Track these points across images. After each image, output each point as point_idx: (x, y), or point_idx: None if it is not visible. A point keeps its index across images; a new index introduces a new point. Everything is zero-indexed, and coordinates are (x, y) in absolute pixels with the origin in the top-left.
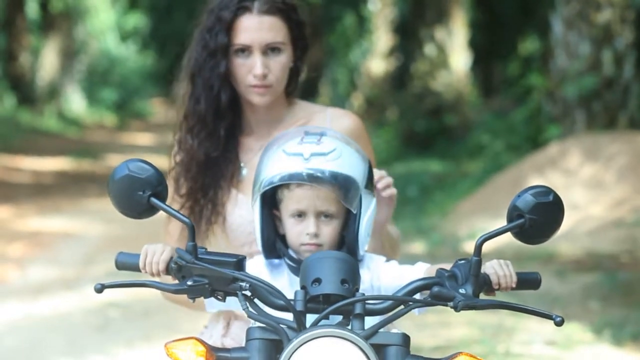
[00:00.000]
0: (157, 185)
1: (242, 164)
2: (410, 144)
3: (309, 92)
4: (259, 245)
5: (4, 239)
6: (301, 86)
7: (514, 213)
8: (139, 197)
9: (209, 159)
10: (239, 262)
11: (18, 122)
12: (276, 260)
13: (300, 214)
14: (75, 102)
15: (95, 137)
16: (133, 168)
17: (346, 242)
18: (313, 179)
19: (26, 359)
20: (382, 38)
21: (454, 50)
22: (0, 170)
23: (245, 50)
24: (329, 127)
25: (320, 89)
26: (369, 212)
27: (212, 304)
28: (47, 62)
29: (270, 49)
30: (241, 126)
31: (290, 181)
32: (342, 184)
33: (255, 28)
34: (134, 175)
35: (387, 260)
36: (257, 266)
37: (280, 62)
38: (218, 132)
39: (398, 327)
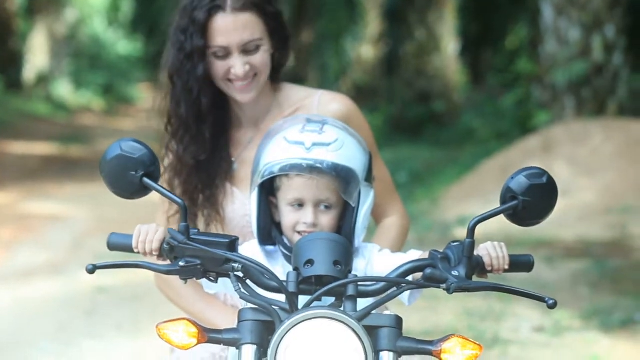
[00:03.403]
0: (149, 165)
1: (232, 159)
2: (400, 129)
3: (298, 78)
4: (254, 232)
5: None
6: (290, 71)
7: (507, 195)
8: (131, 177)
9: (199, 161)
10: (232, 243)
11: (6, 106)
12: (271, 247)
13: (299, 203)
14: (63, 86)
15: (83, 122)
16: (126, 147)
17: (343, 232)
18: (314, 170)
19: (14, 343)
20: (372, 23)
21: (444, 36)
22: None
23: (223, 51)
24: (317, 112)
25: (310, 74)
26: (367, 204)
27: (209, 285)
28: (35, 46)
29: (249, 47)
30: (230, 121)
31: (291, 172)
32: (342, 177)
33: (231, 28)
34: (127, 155)
35: (381, 249)
36: (252, 250)
37: (260, 58)
38: (203, 135)
39: (391, 311)
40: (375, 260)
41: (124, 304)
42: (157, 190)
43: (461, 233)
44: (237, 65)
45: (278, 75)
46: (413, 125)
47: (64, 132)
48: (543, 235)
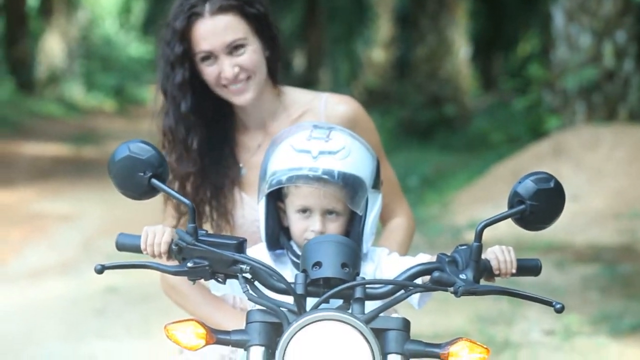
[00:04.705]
0: (157, 167)
1: (240, 164)
2: (411, 133)
3: (310, 81)
4: (262, 238)
5: (3, 223)
6: (302, 74)
7: (514, 199)
8: (139, 178)
9: (197, 173)
10: (240, 245)
11: (18, 106)
12: (279, 251)
13: (306, 210)
14: (75, 87)
15: (94, 123)
16: (134, 149)
17: (351, 238)
18: (321, 180)
19: (24, 344)
20: (383, 27)
21: (455, 41)
22: (0, 155)
23: (210, 56)
24: (323, 114)
25: (321, 77)
26: (375, 210)
27: (217, 287)
28: (47, 47)
29: (234, 48)
30: (236, 126)
31: (297, 182)
32: (349, 185)
33: (212, 32)
34: (135, 156)
35: (390, 253)
36: (260, 254)
37: (249, 57)
38: (191, 146)
39: (398, 313)
40: (384, 263)
41: (135, 304)
42: (165, 191)
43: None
44: (226, 67)
45: (276, 78)
46: (424, 129)
47: (76, 132)
48: (553, 239)
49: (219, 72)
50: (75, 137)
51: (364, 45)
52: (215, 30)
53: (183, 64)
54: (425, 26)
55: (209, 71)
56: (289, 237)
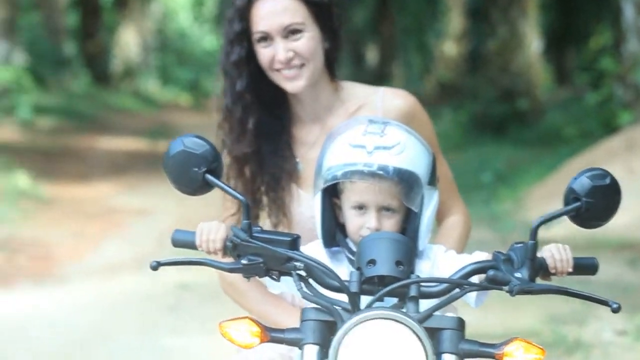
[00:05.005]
0: (212, 162)
1: (297, 159)
2: (484, 128)
3: (382, 74)
4: (318, 235)
5: (80, 218)
6: (375, 68)
7: (570, 196)
8: (193, 173)
9: (255, 156)
10: (294, 241)
11: (94, 100)
12: (336, 248)
13: (362, 207)
14: (151, 81)
15: (170, 117)
16: (188, 144)
17: (407, 235)
18: (375, 176)
19: (98, 337)
20: (454, 20)
21: (527, 34)
22: (77, 149)
23: (267, 38)
24: (381, 108)
25: (394, 71)
26: (431, 207)
27: (273, 285)
28: (122, 40)
29: (290, 32)
30: (292, 119)
31: (352, 178)
32: (405, 181)
33: (270, 12)
34: (189, 151)
35: (446, 250)
36: (316, 251)
37: (304, 44)
38: (247, 126)
39: (457, 312)
40: (440, 261)
41: (207, 301)
42: (219, 187)
43: (545, 234)
44: (280, 50)
45: (335, 72)
46: (497, 123)
47: (151, 126)
48: (626, 237)
49: (273, 54)
50: (150, 131)
51: (435, 38)
52: (274, 11)
53: (241, 43)
54: (496, 19)
55: (263, 52)
56: (345, 234)
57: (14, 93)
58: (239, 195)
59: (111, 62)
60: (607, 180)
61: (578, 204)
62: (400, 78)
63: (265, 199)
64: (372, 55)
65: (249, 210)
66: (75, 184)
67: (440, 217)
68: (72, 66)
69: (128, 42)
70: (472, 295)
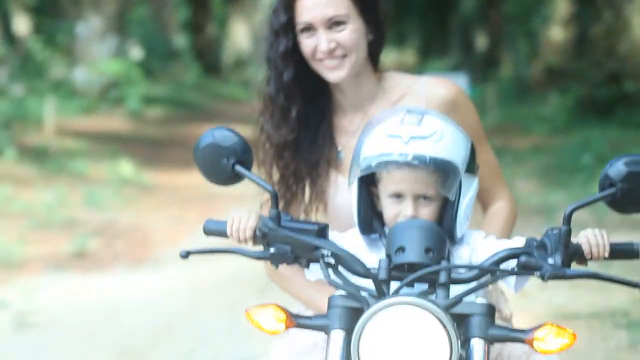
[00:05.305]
0: (241, 153)
1: (339, 147)
2: (590, 111)
3: (491, 60)
4: (355, 223)
5: (180, 204)
6: (483, 54)
7: (605, 182)
8: (223, 164)
9: (293, 143)
10: (321, 230)
11: (204, 89)
12: (374, 235)
13: (399, 195)
14: (260, 71)
15: None
16: (218, 136)
17: (444, 223)
18: (411, 166)
19: (188, 320)
20: (560, 4)
21: (633, 17)
22: (182, 137)
23: (310, 28)
24: (424, 97)
25: (502, 57)
26: (469, 194)
27: (310, 272)
28: (232, 32)
29: (334, 23)
30: (334, 108)
31: (387, 168)
32: (441, 170)
33: (315, 4)
34: (219, 143)
35: (486, 236)
36: (354, 238)
37: (347, 35)
38: (290, 114)
39: (505, 297)
40: (480, 247)
41: None
42: (249, 177)
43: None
44: (322, 41)
45: (378, 62)
46: (603, 106)
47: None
48: None
49: (316, 45)
50: (257, 119)
51: (542, 23)
52: (318, 3)
53: (287, 34)
54: (601, 3)
55: (307, 43)
56: (382, 222)
57: (124, 85)
58: (267, 186)
59: (222, 54)
60: None
61: (613, 189)
62: (508, 63)
63: (301, 185)
64: (481, 41)
65: (277, 200)
66: (178, 171)
67: (485, 203)
68: (183, 58)
69: (238, 34)
70: (511, 281)
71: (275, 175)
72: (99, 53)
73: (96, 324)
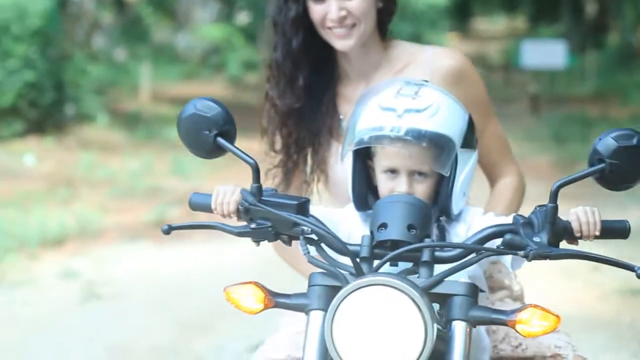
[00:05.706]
0: (223, 125)
1: (341, 116)
2: None
3: (599, 26)
4: (350, 197)
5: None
6: (592, 20)
7: (594, 157)
8: (205, 136)
9: (296, 111)
10: (302, 205)
11: None
12: (371, 211)
13: (393, 171)
14: None
15: None
16: (200, 106)
17: (439, 200)
18: (404, 141)
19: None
20: None
21: None
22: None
23: None
24: (429, 67)
25: (610, 24)
26: (466, 169)
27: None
28: None
29: None
30: (338, 76)
31: (380, 143)
32: (434, 145)
33: None
34: (200, 114)
35: (485, 213)
36: (351, 215)
37: (357, 3)
38: (297, 82)
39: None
40: (476, 224)
41: None
42: (230, 150)
43: None
44: (332, 9)
45: (386, 31)
46: None
47: None
48: None
49: (326, 12)
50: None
51: None
52: None
53: (297, 0)
54: None
55: (316, 9)
56: (378, 197)
57: (226, 50)
58: (248, 158)
59: None
60: (634, 141)
61: (602, 165)
62: (616, 29)
63: (302, 153)
64: (591, 7)
65: (259, 174)
66: None
67: (493, 178)
68: None
69: None
70: (508, 259)
71: (278, 144)
72: (202, 18)
73: (165, 297)
